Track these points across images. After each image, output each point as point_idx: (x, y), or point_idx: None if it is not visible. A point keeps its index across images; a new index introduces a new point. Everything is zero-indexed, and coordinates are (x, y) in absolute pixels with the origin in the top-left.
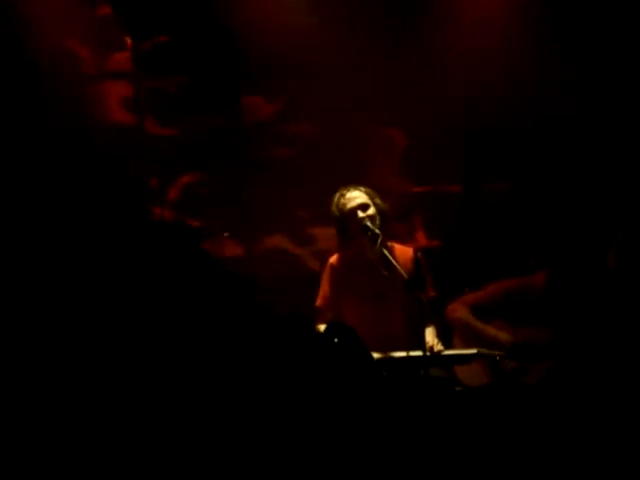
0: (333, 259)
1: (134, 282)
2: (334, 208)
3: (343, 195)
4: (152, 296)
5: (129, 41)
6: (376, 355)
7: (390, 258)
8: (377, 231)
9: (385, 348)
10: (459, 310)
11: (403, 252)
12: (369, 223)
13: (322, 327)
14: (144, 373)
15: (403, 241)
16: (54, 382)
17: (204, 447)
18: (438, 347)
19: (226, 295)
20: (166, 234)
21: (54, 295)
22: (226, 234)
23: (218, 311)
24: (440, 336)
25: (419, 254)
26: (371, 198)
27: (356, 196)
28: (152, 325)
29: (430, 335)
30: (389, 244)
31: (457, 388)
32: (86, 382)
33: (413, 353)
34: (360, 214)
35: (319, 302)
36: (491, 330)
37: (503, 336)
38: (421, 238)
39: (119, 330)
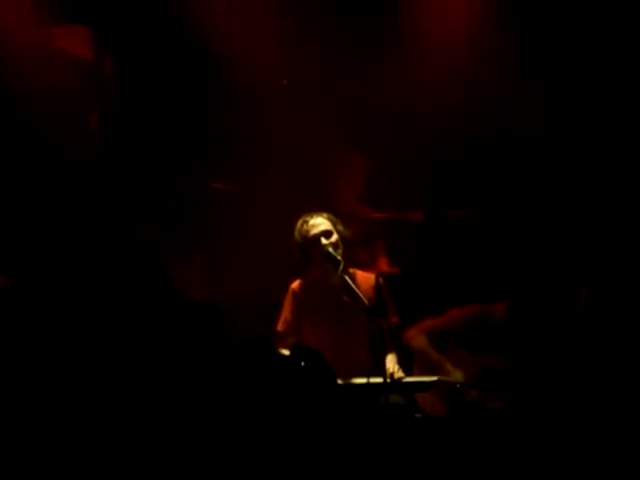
0: (295, 284)
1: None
2: (297, 234)
3: (306, 222)
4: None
5: None
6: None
7: (352, 285)
8: (339, 258)
9: (346, 374)
10: (416, 338)
11: (365, 279)
12: (331, 250)
13: (284, 351)
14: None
15: (365, 267)
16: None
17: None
18: (398, 374)
19: (192, 324)
20: (129, 258)
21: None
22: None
23: (185, 340)
24: (401, 363)
25: (381, 281)
26: (334, 225)
27: (319, 223)
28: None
29: (391, 362)
30: (351, 270)
31: (416, 415)
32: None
33: (373, 380)
34: (323, 241)
35: (280, 327)
36: (447, 365)
37: (457, 374)
38: (383, 264)
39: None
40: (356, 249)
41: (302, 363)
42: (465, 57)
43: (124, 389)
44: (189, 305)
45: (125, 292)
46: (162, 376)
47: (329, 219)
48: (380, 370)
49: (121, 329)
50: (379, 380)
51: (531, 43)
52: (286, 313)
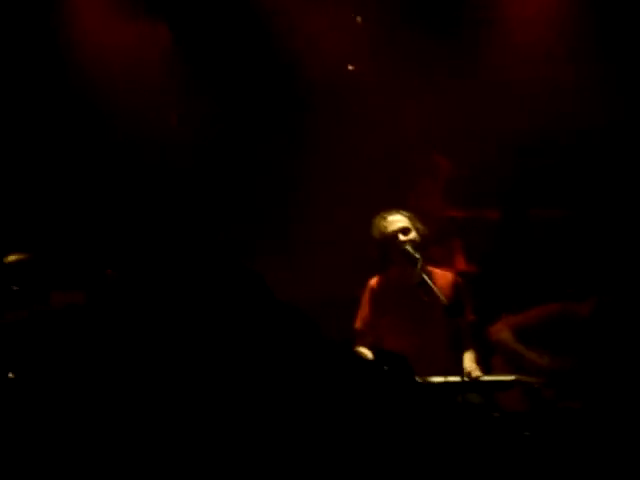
0: (373, 281)
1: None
2: (375, 231)
3: (384, 218)
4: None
5: None
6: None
7: (430, 283)
8: (417, 255)
9: (423, 373)
10: (502, 331)
11: (443, 277)
12: (409, 247)
13: (362, 350)
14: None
15: (442, 265)
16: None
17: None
18: (476, 373)
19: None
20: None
21: None
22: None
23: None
24: (479, 361)
25: (459, 279)
26: (412, 222)
27: (398, 220)
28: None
29: (469, 361)
30: (429, 269)
31: (495, 414)
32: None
33: (451, 378)
34: (401, 237)
35: (358, 324)
36: (533, 355)
37: (544, 361)
38: (460, 262)
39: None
40: (434, 247)
41: (385, 368)
42: (545, 64)
43: (217, 398)
44: (285, 307)
45: (216, 298)
46: (256, 380)
47: (407, 216)
48: (458, 369)
49: (210, 336)
50: (457, 379)
51: (610, 49)
52: (364, 311)
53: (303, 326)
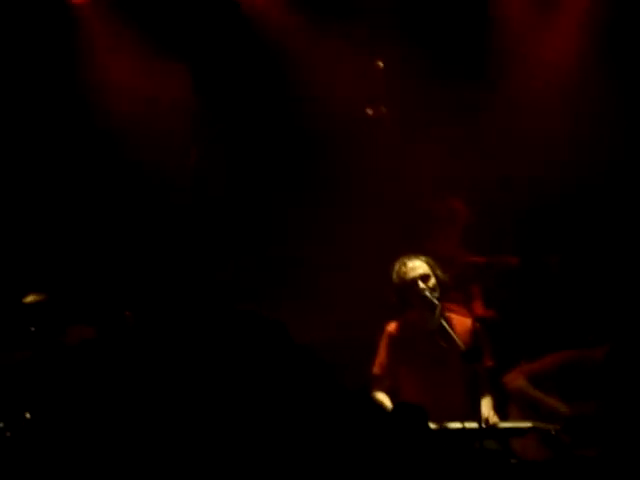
0: (391, 327)
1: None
2: (395, 276)
3: (405, 264)
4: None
5: None
6: (432, 425)
7: (448, 329)
8: (436, 302)
9: (441, 418)
10: (517, 379)
11: (461, 323)
12: (429, 294)
13: (380, 395)
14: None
15: (461, 310)
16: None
17: None
18: (494, 419)
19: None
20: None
21: None
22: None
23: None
24: (496, 408)
25: (477, 325)
26: (432, 269)
27: (418, 266)
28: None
29: (486, 407)
30: (447, 314)
31: (512, 461)
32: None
33: (468, 425)
34: (421, 284)
35: (376, 370)
36: (551, 400)
37: (562, 407)
38: (479, 308)
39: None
40: (452, 292)
41: (403, 420)
42: (560, 113)
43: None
44: (304, 351)
45: (225, 340)
46: (274, 428)
47: (427, 263)
48: (475, 415)
49: (211, 378)
50: (474, 425)
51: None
52: (382, 356)
53: (321, 374)
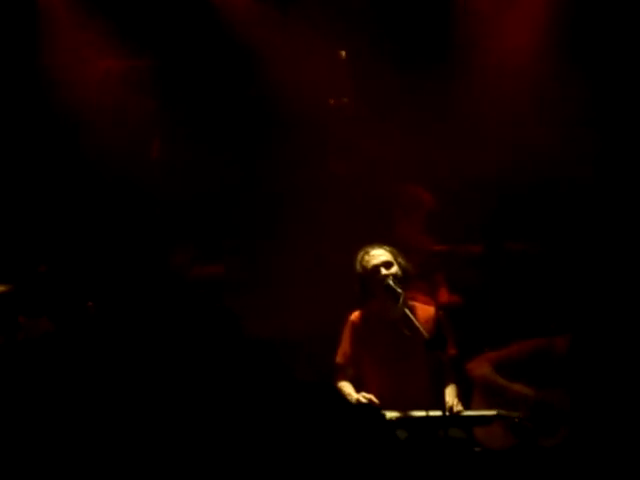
0: (354, 316)
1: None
2: (357, 265)
3: (367, 252)
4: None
5: None
6: (396, 414)
7: (411, 317)
8: (399, 290)
9: (405, 407)
10: (482, 367)
11: (424, 311)
12: (391, 282)
13: (343, 384)
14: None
15: (424, 298)
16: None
17: None
18: (458, 407)
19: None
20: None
21: None
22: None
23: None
24: (460, 396)
25: (440, 313)
26: (394, 256)
27: (380, 254)
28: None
29: (450, 395)
30: (410, 303)
31: (476, 449)
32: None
33: (432, 413)
34: (383, 272)
35: (339, 359)
36: (516, 386)
37: (528, 391)
38: (443, 295)
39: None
40: (416, 281)
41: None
42: (528, 97)
43: (183, 427)
44: (251, 341)
45: (186, 330)
46: (223, 413)
47: (390, 251)
48: (440, 403)
49: (175, 364)
50: (438, 413)
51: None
52: (345, 345)
53: (271, 366)
